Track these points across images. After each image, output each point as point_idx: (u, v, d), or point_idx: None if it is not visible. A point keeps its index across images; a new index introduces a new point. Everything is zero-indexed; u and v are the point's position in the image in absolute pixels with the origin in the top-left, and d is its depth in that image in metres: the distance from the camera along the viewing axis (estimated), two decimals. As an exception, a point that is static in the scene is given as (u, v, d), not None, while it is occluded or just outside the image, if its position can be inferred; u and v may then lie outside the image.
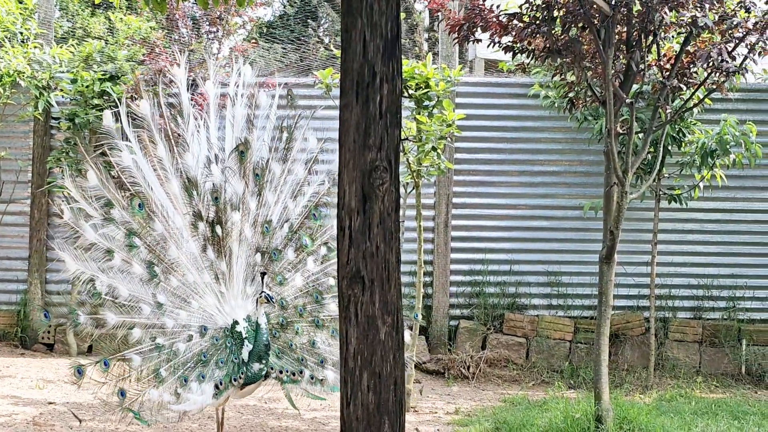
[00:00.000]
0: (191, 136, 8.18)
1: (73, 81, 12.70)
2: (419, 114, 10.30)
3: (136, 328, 7.60)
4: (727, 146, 11.66)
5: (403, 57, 10.46)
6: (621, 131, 9.14)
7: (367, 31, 4.26)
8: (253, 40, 17.31)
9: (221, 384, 7.61)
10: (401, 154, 10.20)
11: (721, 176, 12.11)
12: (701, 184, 12.25)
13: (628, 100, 8.77)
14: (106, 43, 13.49)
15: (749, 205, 13.22)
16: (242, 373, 7.59)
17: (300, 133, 8.58)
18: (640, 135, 10.20)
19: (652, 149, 11.49)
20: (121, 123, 8.06)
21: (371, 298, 4.20)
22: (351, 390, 4.24)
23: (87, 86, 12.53)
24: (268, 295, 7.54)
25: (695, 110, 11.70)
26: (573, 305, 13.04)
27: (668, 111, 9.33)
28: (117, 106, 12.47)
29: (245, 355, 7.59)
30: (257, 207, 8.14)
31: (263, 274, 7.81)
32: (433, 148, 10.29)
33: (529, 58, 9.23)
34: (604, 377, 8.73)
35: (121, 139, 8.00)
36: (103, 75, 12.66)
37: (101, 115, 12.36)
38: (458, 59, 13.46)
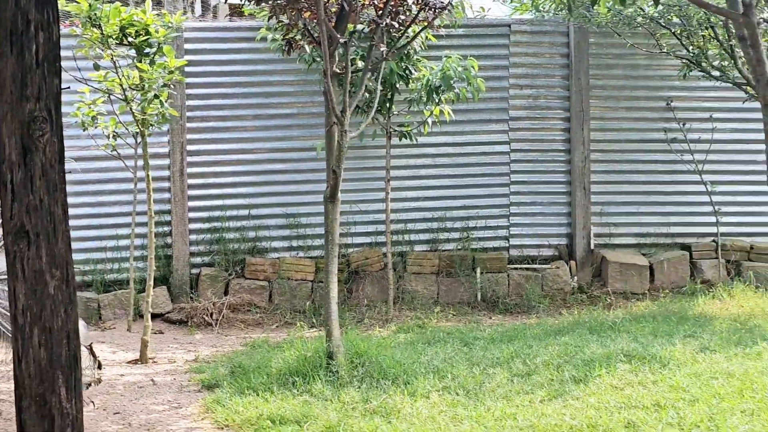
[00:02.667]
0: None
1: None
2: (140, 62, 10.08)
3: None
4: (451, 81, 11.94)
5: (124, 4, 10.21)
6: (339, 71, 9.21)
7: (18, -22, 4.11)
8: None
9: None
10: (124, 103, 10.04)
11: (448, 112, 12.40)
12: (430, 120, 12.54)
13: (342, 40, 8.86)
14: None
15: (477, 137, 13.65)
16: None
17: None
18: (369, 75, 10.35)
19: (381, 87, 11.71)
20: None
21: (38, 252, 4.10)
22: (22, 347, 4.14)
23: None
24: None
25: (418, 47, 11.95)
26: (313, 245, 13.17)
27: (382, 49, 9.45)
28: None
29: None
30: None
31: None
32: (156, 96, 10.11)
33: (243, 1, 9.17)
34: (334, 314, 8.87)
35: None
36: None
37: None
38: (201, 5, 13.27)
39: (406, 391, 8.08)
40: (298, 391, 8.23)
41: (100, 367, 7.96)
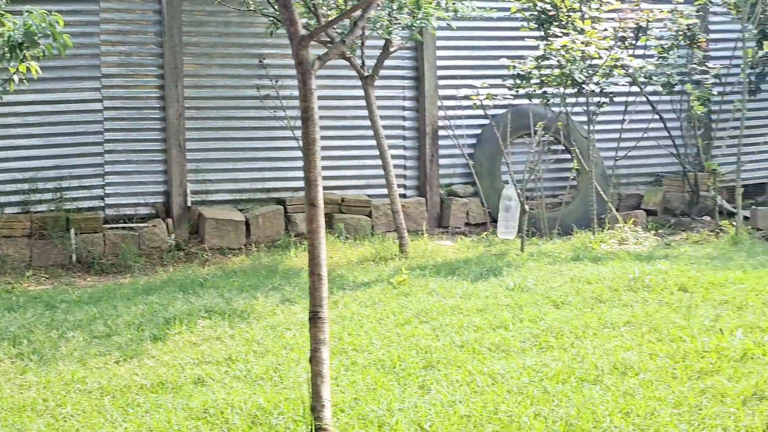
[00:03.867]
0: None
1: None
2: None
3: None
4: (35, 37, 11.51)
5: None
6: None
7: None
8: None
9: None
10: None
11: (36, 69, 11.95)
12: (16, 78, 12.03)
13: None
14: None
15: (68, 95, 13.29)
16: None
17: None
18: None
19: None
20: None
21: None
22: None
23: None
24: None
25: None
26: None
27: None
28: None
29: None
30: None
31: None
32: None
33: None
34: None
35: None
36: None
37: None
38: None
39: (-26, 361, 7.83)
40: None
41: None
